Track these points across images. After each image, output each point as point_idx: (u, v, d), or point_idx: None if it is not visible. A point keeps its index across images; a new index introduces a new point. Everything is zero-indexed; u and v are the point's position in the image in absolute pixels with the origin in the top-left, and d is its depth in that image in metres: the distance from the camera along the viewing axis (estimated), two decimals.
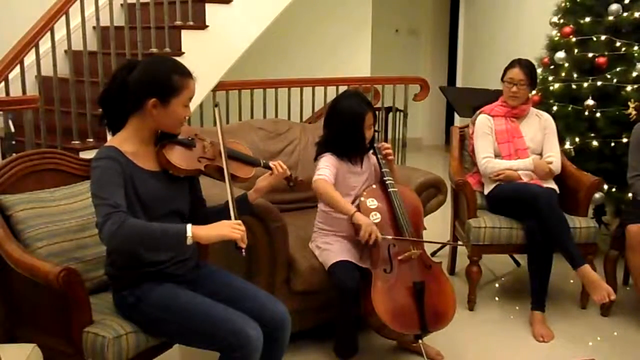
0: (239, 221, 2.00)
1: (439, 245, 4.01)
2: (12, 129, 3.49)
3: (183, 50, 4.41)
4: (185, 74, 2.05)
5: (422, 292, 2.59)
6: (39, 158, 2.36)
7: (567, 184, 3.43)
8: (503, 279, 3.84)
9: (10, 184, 2.26)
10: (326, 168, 2.68)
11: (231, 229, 1.96)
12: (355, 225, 2.62)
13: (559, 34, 4.16)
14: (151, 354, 2.18)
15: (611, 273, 3.25)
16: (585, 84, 3.89)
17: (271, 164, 2.32)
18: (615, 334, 3.12)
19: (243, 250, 1.98)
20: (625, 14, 3.89)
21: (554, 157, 3.39)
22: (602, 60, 3.86)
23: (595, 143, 3.83)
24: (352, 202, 2.72)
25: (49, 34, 3.76)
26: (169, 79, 2.01)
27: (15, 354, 1.90)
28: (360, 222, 2.55)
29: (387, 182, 2.74)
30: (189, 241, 1.91)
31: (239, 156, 2.27)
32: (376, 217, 2.63)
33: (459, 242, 3.56)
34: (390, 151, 2.83)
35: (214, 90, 4.65)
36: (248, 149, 2.38)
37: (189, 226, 1.91)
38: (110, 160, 1.96)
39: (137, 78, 2.03)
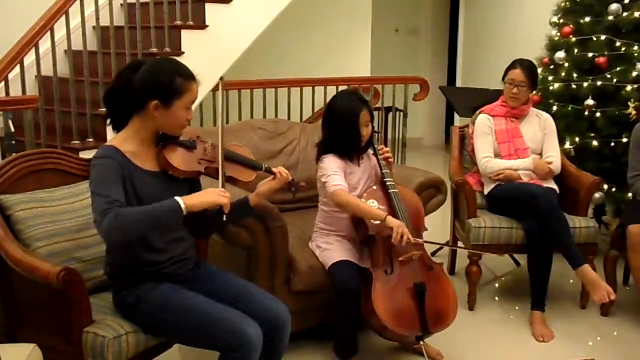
0: (224, 189, 2.06)
1: (439, 246, 4.00)
2: (12, 129, 3.49)
3: (183, 50, 4.40)
4: (189, 77, 2.06)
5: (423, 293, 2.59)
6: (39, 158, 2.36)
7: (567, 184, 3.43)
8: (503, 279, 3.84)
9: (10, 184, 2.26)
10: (337, 174, 2.66)
11: (218, 195, 2.02)
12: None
13: (559, 34, 4.16)
14: (151, 354, 2.18)
15: (611, 273, 3.25)
16: (585, 84, 3.89)
17: (274, 169, 2.29)
18: (615, 334, 3.12)
19: (225, 216, 2.06)
20: (625, 14, 3.89)
21: (554, 157, 3.39)
22: (602, 60, 3.86)
23: (595, 143, 3.83)
24: None
25: (49, 34, 3.75)
26: (172, 81, 2.01)
27: (15, 354, 1.90)
28: (392, 225, 2.54)
29: (388, 183, 2.73)
30: (185, 212, 1.95)
31: (240, 159, 2.25)
32: None
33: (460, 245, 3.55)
34: (390, 155, 2.83)
35: (214, 90, 4.65)
36: (251, 153, 2.36)
37: (179, 199, 1.95)
38: (109, 159, 1.97)
39: (140, 79, 2.03)
